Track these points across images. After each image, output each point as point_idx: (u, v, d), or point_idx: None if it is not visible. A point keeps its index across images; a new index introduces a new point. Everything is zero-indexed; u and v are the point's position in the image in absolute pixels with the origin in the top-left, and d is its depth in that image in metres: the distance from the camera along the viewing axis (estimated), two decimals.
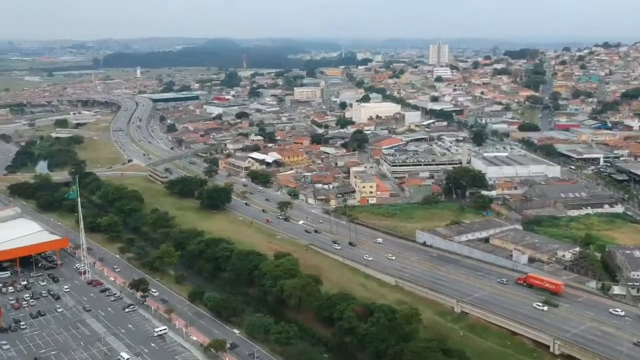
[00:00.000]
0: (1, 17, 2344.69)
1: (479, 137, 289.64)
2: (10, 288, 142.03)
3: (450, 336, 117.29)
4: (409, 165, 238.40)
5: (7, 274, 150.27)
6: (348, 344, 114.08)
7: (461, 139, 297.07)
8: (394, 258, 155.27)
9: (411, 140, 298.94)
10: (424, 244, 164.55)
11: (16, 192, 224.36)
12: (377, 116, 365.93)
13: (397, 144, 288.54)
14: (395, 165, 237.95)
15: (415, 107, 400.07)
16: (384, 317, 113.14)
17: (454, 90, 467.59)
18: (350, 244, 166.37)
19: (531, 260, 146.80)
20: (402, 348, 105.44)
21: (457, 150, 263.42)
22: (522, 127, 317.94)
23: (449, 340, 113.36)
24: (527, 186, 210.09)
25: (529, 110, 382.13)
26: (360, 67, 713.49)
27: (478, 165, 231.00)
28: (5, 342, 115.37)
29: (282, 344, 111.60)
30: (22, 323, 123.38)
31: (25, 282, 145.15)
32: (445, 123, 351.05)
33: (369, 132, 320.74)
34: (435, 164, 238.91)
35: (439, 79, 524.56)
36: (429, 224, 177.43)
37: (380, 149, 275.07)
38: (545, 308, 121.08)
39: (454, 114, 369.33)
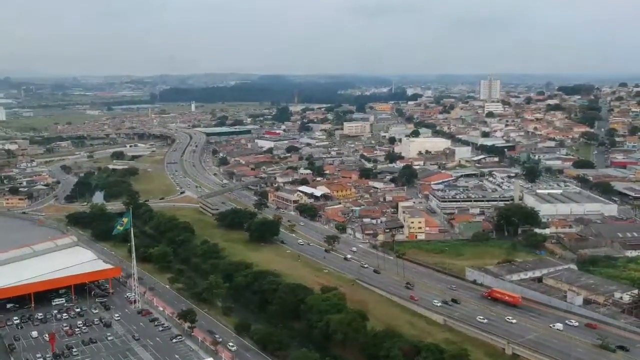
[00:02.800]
0: (67, 54, 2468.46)
1: (531, 174, 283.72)
2: (64, 315, 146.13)
3: None
4: (459, 201, 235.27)
5: (62, 300, 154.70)
6: None
7: (513, 175, 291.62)
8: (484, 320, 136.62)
9: (461, 176, 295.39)
10: (474, 282, 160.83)
11: (73, 221, 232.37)
12: (427, 151, 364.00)
13: (446, 180, 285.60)
14: (445, 201, 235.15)
15: (466, 143, 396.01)
16: (432, 356, 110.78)
17: (506, 125, 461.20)
18: (407, 285, 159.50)
19: (586, 301, 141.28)
20: None
21: (509, 187, 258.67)
22: (577, 164, 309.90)
23: None
24: (582, 225, 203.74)
25: (583, 147, 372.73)
26: (410, 103, 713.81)
27: (531, 202, 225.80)
28: None
29: None
30: (74, 350, 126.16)
31: (78, 310, 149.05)
32: (496, 159, 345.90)
33: (418, 167, 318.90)
34: (486, 200, 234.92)
35: (490, 114, 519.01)
36: (479, 262, 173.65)
37: (430, 184, 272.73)
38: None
39: (505, 149, 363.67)
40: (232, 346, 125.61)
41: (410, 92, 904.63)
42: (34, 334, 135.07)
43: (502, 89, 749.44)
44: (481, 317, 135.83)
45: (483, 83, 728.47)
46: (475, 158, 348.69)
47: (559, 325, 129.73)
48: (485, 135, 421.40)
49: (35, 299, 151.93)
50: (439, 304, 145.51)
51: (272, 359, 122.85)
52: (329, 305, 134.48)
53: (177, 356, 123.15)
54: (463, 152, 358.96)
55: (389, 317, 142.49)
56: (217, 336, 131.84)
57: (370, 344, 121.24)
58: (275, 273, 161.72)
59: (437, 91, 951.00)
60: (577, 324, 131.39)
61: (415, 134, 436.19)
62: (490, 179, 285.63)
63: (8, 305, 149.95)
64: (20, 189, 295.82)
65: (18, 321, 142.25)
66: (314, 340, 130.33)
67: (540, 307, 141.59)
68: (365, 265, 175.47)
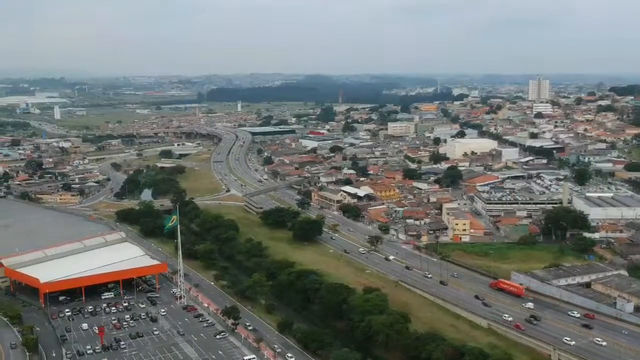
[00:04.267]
0: (119, 55, 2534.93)
1: (581, 176, 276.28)
2: (113, 308, 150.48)
3: None
4: (505, 204, 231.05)
5: (111, 294, 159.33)
6: None
7: (562, 177, 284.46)
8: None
9: (508, 178, 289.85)
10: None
11: (122, 217, 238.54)
12: (472, 152, 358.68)
13: (492, 181, 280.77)
14: (491, 203, 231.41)
15: (513, 144, 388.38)
16: None
17: (555, 127, 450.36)
18: (442, 282, 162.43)
19: (637, 308, 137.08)
20: None
21: (557, 189, 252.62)
22: (629, 167, 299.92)
23: None
24: (633, 229, 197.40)
25: (636, 149, 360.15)
26: (455, 103, 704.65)
27: (580, 205, 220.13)
28: (106, 359, 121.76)
29: None
30: (122, 343, 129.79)
31: (126, 304, 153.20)
32: (544, 161, 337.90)
33: (463, 168, 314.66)
34: (534, 203, 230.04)
35: (538, 115, 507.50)
36: (525, 266, 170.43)
37: (475, 185, 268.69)
38: None
39: (554, 151, 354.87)
40: (277, 348, 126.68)
41: (456, 92, 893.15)
42: (84, 326, 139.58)
43: (551, 89, 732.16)
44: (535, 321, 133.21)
45: (532, 83, 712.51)
46: (523, 160, 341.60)
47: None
48: (534, 136, 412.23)
49: (85, 293, 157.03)
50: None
51: (313, 358, 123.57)
52: (371, 305, 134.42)
53: (220, 352, 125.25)
54: (510, 154, 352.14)
55: (432, 320, 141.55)
56: (259, 333, 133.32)
57: (412, 346, 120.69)
58: (317, 272, 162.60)
59: (484, 91, 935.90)
60: (625, 332, 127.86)
61: (461, 134, 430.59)
62: (538, 181, 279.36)
63: (60, 298, 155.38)
64: (72, 186, 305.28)
65: (69, 313, 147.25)
66: (355, 340, 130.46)
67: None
68: (430, 276, 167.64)
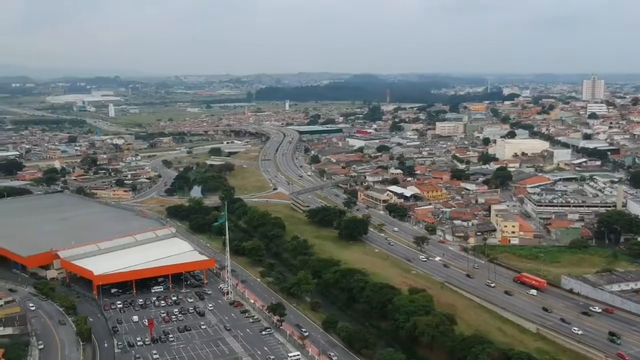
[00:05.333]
0: (171, 55, 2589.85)
1: (637, 179, 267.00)
2: (162, 302, 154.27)
3: None
4: (557, 206, 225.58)
5: (160, 288, 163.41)
6: None
7: (616, 180, 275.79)
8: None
9: (559, 180, 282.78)
10: (570, 290, 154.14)
11: (172, 213, 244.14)
12: (523, 153, 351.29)
13: (543, 183, 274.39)
14: (541, 205, 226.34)
15: (566, 145, 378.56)
16: None
17: (610, 127, 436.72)
18: (507, 292, 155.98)
19: None
20: None
21: (611, 192, 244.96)
22: None
23: None
24: None
25: None
26: (506, 103, 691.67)
27: (635, 209, 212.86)
28: (155, 352, 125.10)
29: None
30: (170, 336, 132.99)
31: (175, 298, 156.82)
32: (598, 162, 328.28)
33: (513, 169, 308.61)
34: (586, 206, 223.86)
35: (592, 116, 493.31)
36: (576, 270, 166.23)
37: (525, 187, 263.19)
38: None
39: (608, 153, 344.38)
40: (305, 332, 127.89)
41: (506, 91, 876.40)
42: (135, 318, 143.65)
43: (606, 89, 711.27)
44: (576, 329, 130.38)
45: (586, 83, 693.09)
46: (576, 161, 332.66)
47: None
48: (587, 137, 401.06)
49: (136, 286, 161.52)
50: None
51: (357, 357, 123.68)
52: (416, 306, 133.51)
53: (265, 348, 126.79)
54: (562, 155, 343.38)
55: (479, 322, 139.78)
56: (304, 330, 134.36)
57: (458, 348, 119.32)
58: (363, 271, 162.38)
59: (536, 91, 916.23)
60: None
61: (511, 135, 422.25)
62: (591, 183, 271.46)
63: (112, 290, 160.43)
64: (125, 182, 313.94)
65: (121, 305, 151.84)
66: (400, 340, 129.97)
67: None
68: (493, 285, 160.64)
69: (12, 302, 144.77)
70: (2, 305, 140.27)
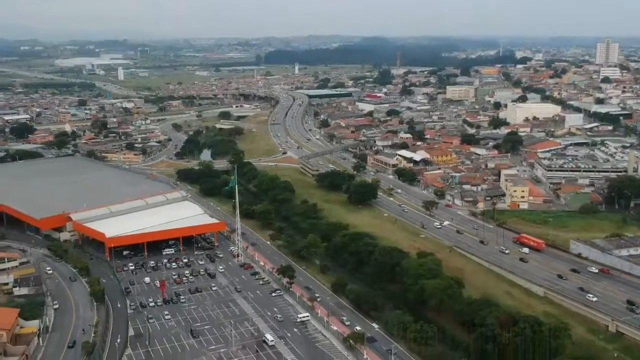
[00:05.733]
0: (179, 17, 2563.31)
1: None
2: (173, 264, 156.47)
3: (602, 357, 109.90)
4: (567, 171, 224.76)
5: (172, 250, 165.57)
6: (488, 352, 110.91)
7: (628, 145, 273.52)
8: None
9: (570, 145, 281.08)
10: (579, 255, 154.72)
11: (183, 177, 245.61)
12: (534, 117, 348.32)
13: (554, 148, 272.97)
14: (552, 170, 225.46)
15: (577, 109, 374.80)
16: (529, 328, 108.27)
17: (623, 92, 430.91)
18: (522, 259, 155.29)
19: None
20: None
21: (622, 157, 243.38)
22: None
23: None
24: None
25: None
26: (518, 66, 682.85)
27: None
28: (167, 312, 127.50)
29: (420, 344, 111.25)
30: (181, 297, 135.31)
31: (186, 260, 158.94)
32: (610, 127, 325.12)
33: (524, 134, 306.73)
34: (597, 171, 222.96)
35: (605, 80, 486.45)
36: (585, 235, 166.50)
37: (536, 152, 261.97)
38: None
39: (621, 117, 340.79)
40: (318, 297, 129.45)
41: (519, 55, 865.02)
42: (147, 280, 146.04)
43: (620, 52, 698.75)
44: (591, 295, 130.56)
45: (599, 46, 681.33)
46: (587, 126, 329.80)
47: None
48: (600, 102, 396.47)
49: (147, 248, 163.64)
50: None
51: (366, 319, 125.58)
52: (425, 270, 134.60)
53: (275, 309, 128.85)
54: (574, 120, 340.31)
55: (487, 286, 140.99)
56: (317, 296, 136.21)
57: (465, 311, 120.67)
58: (372, 235, 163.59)
59: (549, 54, 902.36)
60: None
61: (523, 99, 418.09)
62: (603, 148, 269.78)
63: (124, 252, 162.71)
64: (135, 145, 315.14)
65: (133, 267, 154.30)
66: (408, 303, 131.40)
67: None
68: (507, 251, 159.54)
69: (27, 263, 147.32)
70: (17, 266, 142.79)
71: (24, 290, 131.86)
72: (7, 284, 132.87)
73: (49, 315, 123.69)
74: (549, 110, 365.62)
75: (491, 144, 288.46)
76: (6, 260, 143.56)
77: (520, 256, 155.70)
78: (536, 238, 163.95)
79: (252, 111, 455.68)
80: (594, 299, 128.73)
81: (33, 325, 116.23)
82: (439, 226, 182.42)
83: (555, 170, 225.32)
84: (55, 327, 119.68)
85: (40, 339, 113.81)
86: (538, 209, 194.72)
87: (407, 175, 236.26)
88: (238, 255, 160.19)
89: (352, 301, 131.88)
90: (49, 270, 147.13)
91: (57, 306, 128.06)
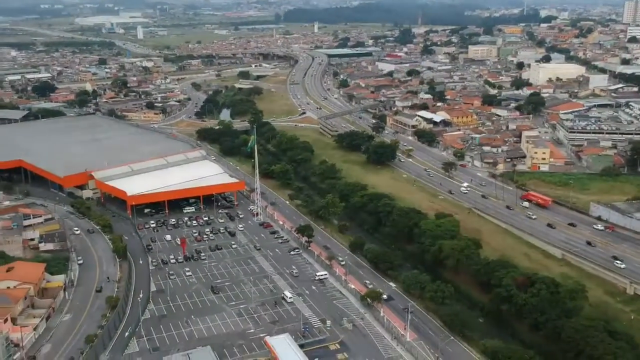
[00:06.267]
0: None
1: None
2: (194, 222, 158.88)
3: (619, 318, 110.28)
4: (590, 133, 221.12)
5: (192, 209, 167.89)
6: (505, 312, 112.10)
7: None
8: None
9: (594, 106, 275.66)
10: (599, 218, 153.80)
11: (203, 136, 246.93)
12: (557, 78, 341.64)
13: (577, 109, 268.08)
14: (574, 132, 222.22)
15: (602, 70, 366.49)
16: (546, 289, 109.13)
17: None
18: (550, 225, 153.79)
19: None
20: (563, 323, 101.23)
21: None
22: None
23: (617, 322, 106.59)
24: None
25: None
26: (542, 25, 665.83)
27: None
28: (188, 269, 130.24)
29: (437, 303, 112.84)
30: (202, 254, 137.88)
31: (206, 218, 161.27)
32: (635, 89, 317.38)
33: (546, 94, 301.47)
34: (620, 133, 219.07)
35: (633, 40, 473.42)
36: (606, 198, 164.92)
37: (558, 113, 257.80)
38: None
39: None
40: (342, 260, 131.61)
41: (543, 13, 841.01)
42: (168, 237, 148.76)
43: None
44: (619, 262, 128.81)
45: (628, 4, 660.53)
46: (612, 87, 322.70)
47: None
48: (626, 62, 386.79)
49: (168, 206, 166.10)
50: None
51: (383, 278, 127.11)
52: (443, 230, 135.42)
53: (294, 267, 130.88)
54: (598, 80, 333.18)
55: (504, 247, 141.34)
56: (340, 260, 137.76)
57: (482, 271, 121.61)
58: (390, 196, 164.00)
59: (574, 13, 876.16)
60: None
61: (546, 59, 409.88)
62: (627, 110, 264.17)
63: (146, 210, 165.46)
64: (155, 104, 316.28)
65: (154, 225, 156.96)
66: (425, 263, 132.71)
67: None
68: (534, 217, 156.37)
69: (52, 219, 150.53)
70: (42, 222, 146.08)
71: (49, 246, 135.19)
72: (33, 239, 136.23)
73: (74, 270, 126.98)
74: (573, 70, 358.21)
75: (513, 105, 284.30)
76: (32, 216, 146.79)
77: (548, 222, 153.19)
78: (543, 195, 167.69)
79: (271, 71, 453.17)
80: (622, 266, 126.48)
81: (59, 279, 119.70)
82: (465, 190, 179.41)
83: (578, 132, 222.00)
84: (79, 281, 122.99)
85: (66, 292, 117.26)
86: (559, 171, 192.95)
87: (427, 136, 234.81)
88: (257, 214, 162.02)
89: (369, 260, 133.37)
90: (77, 230, 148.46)
91: (81, 262, 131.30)
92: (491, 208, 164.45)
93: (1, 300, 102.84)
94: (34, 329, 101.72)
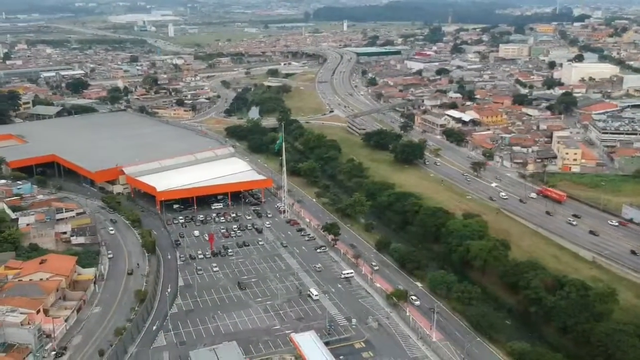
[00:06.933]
0: None
1: None
2: (222, 218, 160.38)
3: None
4: (623, 134, 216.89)
5: (220, 205, 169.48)
6: (533, 314, 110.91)
7: None
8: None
9: (628, 107, 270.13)
10: (631, 220, 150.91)
11: (231, 133, 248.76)
12: (590, 78, 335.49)
13: (610, 110, 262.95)
14: (606, 133, 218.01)
15: (637, 70, 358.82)
16: (576, 292, 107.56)
17: None
18: (547, 213, 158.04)
19: None
20: (593, 327, 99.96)
21: None
22: None
23: None
24: None
25: None
26: (575, 24, 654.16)
27: None
28: (215, 265, 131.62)
29: (463, 304, 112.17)
30: (229, 250, 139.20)
31: (234, 215, 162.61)
32: None
33: (578, 94, 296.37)
34: None
35: None
36: (639, 200, 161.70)
37: (590, 113, 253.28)
38: None
39: None
40: (375, 265, 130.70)
41: (577, 12, 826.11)
42: (196, 233, 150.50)
43: None
44: None
45: None
46: None
47: None
48: None
49: (197, 202, 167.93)
50: None
51: (409, 277, 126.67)
52: (470, 231, 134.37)
53: (320, 265, 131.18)
54: (633, 80, 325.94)
55: (533, 249, 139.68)
56: (374, 266, 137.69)
57: (510, 273, 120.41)
58: (417, 195, 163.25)
59: (609, 12, 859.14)
60: None
61: (579, 58, 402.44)
62: None
63: (175, 206, 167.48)
64: (185, 101, 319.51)
65: (182, 220, 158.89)
66: (452, 264, 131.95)
67: None
68: (575, 223, 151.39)
69: (83, 213, 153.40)
70: (74, 216, 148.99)
71: (80, 240, 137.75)
72: (65, 233, 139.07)
73: (104, 263, 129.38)
74: (607, 70, 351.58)
75: (544, 104, 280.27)
76: (64, 210, 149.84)
77: (590, 229, 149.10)
78: (558, 191, 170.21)
79: (300, 69, 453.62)
80: None
81: (89, 272, 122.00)
82: (505, 196, 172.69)
83: (611, 133, 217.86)
84: (109, 275, 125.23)
85: (96, 285, 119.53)
86: (590, 172, 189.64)
87: (455, 136, 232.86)
88: (284, 212, 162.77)
89: (395, 260, 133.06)
90: (112, 230, 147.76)
91: (111, 255, 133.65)
92: (522, 209, 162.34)
93: (34, 292, 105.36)
94: (65, 321, 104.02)
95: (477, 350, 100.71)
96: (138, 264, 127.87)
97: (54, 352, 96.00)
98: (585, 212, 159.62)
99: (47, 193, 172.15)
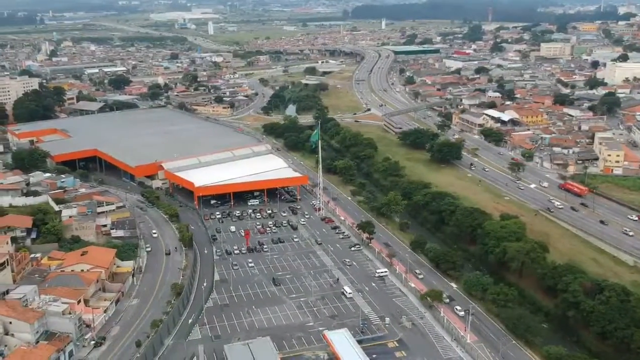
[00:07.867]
0: None
1: None
2: (258, 214, 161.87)
3: None
4: None
5: (256, 201, 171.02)
6: (570, 318, 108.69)
7: None
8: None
9: None
10: None
11: (268, 130, 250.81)
12: (635, 78, 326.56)
13: None
14: None
15: None
16: (616, 297, 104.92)
17: None
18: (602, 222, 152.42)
19: None
20: (633, 333, 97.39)
21: None
22: None
23: None
24: None
25: None
26: (620, 23, 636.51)
27: None
28: (250, 260, 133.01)
29: (499, 305, 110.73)
30: (265, 246, 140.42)
31: (270, 211, 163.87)
32: None
33: (622, 95, 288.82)
34: None
35: None
36: None
37: (634, 115, 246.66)
38: None
39: None
40: (420, 274, 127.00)
41: (622, 10, 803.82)
42: (232, 228, 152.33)
43: None
44: None
45: None
46: None
47: None
48: None
49: (233, 198, 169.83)
50: None
51: (444, 277, 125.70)
52: (507, 232, 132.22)
53: (355, 263, 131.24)
54: None
55: (573, 252, 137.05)
56: (417, 271, 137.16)
57: (548, 276, 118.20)
58: (453, 195, 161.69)
59: None
60: None
61: (624, 58, 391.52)
62: None
63: (212, 201, 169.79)
64: (224, 99, 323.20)
65: (219, 216, 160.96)
66: (488, 265, 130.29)
67: None
68: (631, 233, 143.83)
69: (123, 207, 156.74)
70: (114, 210, 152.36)
71: (120, 233, 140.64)
72: (105, 225, 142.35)
73: (142, 257, 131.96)
74: None
75: (586, 105, 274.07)
76: (105, 203, 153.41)
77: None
78: (578, 185, 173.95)
79: (338, 67, 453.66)
80: None
81: (128, 265, 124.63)
82: (560, 206, 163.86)
83: None
84: (147, 268, 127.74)
85: (135, 278, 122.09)
86: (633, 175, 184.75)
87: (494, 136, 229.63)
88: (319, 209, 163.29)
89: (430, 260, 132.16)
90: (155, 233, 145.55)
91: (149, 249, 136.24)
92: (564, 212, 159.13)
93: (75, 282, 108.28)
94: (104, 311, 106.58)
95: (512, 353, 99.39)
96: (176, 248, 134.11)
97: (93, 342, 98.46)
98: (601, 202, 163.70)
99: (89, 187, 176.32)
